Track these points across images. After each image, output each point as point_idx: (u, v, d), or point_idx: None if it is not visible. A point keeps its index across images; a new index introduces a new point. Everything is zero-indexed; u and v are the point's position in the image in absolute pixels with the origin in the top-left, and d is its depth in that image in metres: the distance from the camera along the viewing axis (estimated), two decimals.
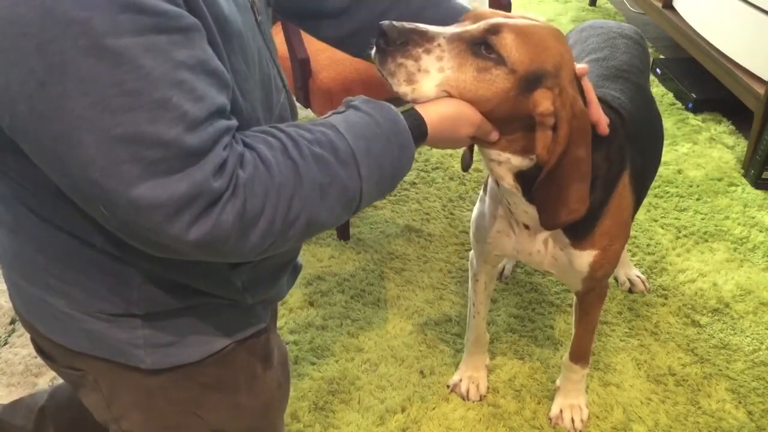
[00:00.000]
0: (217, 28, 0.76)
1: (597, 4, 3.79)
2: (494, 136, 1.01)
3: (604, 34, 1.60)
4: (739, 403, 1.65)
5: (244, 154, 0.76)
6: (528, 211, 1.17)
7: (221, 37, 0.77)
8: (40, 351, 1.02)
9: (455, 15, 1.04)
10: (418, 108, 0.92)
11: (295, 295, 1.89)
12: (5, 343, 1.77)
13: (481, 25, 0.97)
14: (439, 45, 0.94)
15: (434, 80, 0.94)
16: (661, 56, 3.22)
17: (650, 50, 3.23)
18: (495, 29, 0.95)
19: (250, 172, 0.75)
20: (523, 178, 1.09)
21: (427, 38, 0.94)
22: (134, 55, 0.65)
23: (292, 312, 1.85)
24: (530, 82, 0.97)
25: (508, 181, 1.10)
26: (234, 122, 0.76)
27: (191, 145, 0.70)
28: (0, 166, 0.81)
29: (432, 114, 0.92)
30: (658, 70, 3.03)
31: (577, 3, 3.83)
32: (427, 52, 0.93)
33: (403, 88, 0.93)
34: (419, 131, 0.90)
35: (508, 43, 0.95)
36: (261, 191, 0.75)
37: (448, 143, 0.97)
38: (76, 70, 0.64)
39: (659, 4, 3.11)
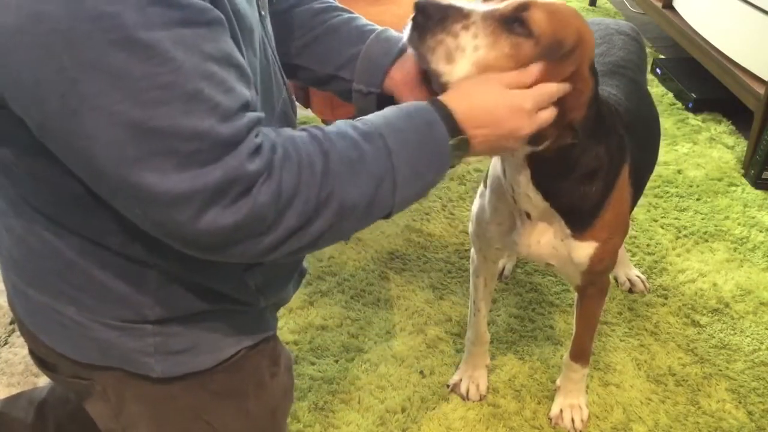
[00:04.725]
0: (237, 22, 0.77)
1: (597, 3, 3.79)
2: (534, 69, 0.96)
3: (601, 30, 1.61)
4: (739, 403, 1.65)
5: (275, 139, 0.77)
6: (531, 196, 1.18)
7: (240, 32, 0.78)
8: (41, 362, 1.00)
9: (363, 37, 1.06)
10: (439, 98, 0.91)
11: (295, 295, 1.88)
12: (5, 343, 1.77)
13: (510, 3, 0.98)
14: (474, 22, 0.95)
15: (468, 61, 0.94)
16: (661, 56, 3.22)
17: (650, 50, 3.24)
18: (525, 6, 0.97)
19: (281, 155, 0.76)
20: (532, 159, 1.11)
21: (464, 14, 0.95)
22: (165, 48, 0.65)
23: (292, 312, 1.85)
24: (548, 54, 0.97)
25: (519, 158, 1.12)
26: (262, 115, 0.77)
27: (225, 135, 0.70)
28: (14, 170, 0.80)
29: (449, 93, 0.91)
30: (658, 70, 3.03)
31: (577, 3, 3.82)
32: (466, 28, 0.94)
33: (441, 67, 0.94)
34: (441, 107, 0.88)
35: (538, 19, 0.96)
36: (294, 171, 0.76)
37: (490, 106, 0.91)
38: (107, 65, 0.64)
39: (659, 4, 3.10)
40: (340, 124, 0.83)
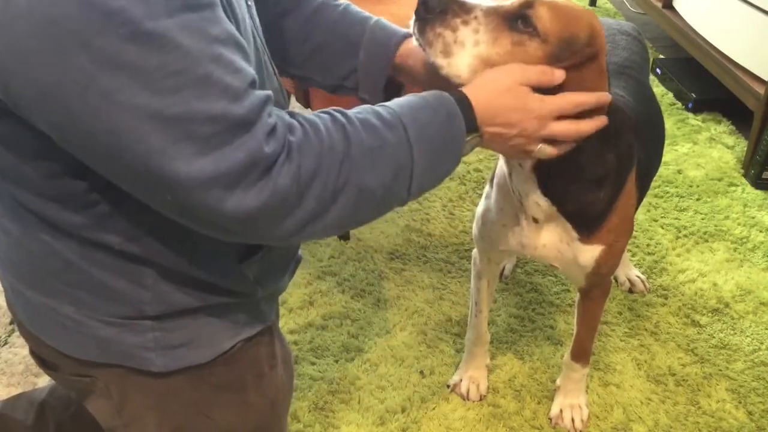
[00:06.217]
0: (229, 11, 0.78)
1: (597, 4, 3.79)
2: (559, 74, 0.96)
3: (604, 30, 1.60)
4: (739, 403, 1.65)
5: (292, 122, 0.78)
6: (540, 203, 1.18)
7: (233, 21, 0.79)
8: (42, 361, 1.01)
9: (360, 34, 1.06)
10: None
11: (295, 295, 1.89)
12: (5, 343, 1.77)
13: (515, 0, 0.98)
14: (476, 17, 0.96)
15: (469, 54, 0.95)
16: (661, 56, 3.22)
17: (650, 50, 3.24)
18: (529, 4, 0.97)
19: (299, 137, 0.77)
20: (539, 168, 1.10)
21: (465, 9, 0.95)
22: (172, 35, 0.67)
23: (292, 312, 1.85)
24: (562, 51, 0.97)
25: (527, 169, 1.12)
26: (270, 93, 0.78)
27: (239, 114, 0.72)
28: (15, 175, 0.80)
29: (472, 84, 0.92)
30: (658, 70, 3.03)
31: (577, 2, 3.82)
32: (465, 23, 0.95)
33: (439, 60, 0.95)
34: (463, 101, 0.89)
35: (543, 16, 0.96)
36: (313, 153, 0.77)
37: (505, 100, 0.91)
38: (123, 60, 0.65)
39: (659, 4, 3.10)
40: (364, 110, 0.84)
